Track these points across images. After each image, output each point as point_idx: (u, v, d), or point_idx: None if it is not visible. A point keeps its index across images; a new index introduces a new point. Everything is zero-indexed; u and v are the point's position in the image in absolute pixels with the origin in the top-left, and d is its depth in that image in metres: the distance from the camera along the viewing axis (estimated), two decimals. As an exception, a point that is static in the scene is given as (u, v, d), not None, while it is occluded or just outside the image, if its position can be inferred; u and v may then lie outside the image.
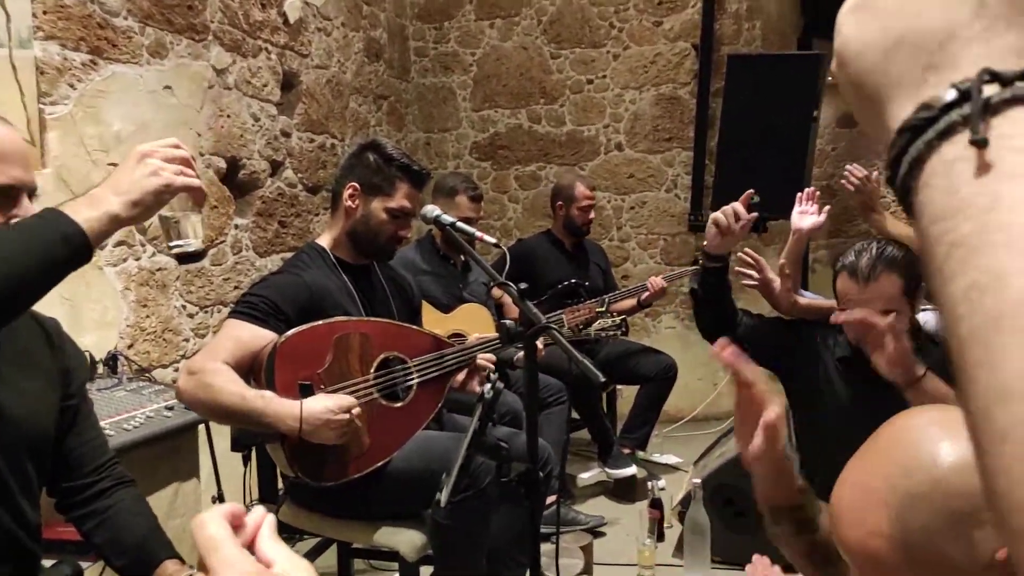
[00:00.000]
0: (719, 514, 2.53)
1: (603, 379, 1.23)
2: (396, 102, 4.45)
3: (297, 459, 1.61)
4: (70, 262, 0.90)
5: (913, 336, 1.70)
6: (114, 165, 2.48)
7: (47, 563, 1.27)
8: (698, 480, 2.49)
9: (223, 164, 2.98)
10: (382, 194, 1.89)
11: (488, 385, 1.30)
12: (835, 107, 5.26)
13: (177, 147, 1.06)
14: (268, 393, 1.57)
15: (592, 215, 3.42)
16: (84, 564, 1.45)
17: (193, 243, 1.13)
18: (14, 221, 1.04)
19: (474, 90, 4.56)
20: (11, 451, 1.13)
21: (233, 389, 1.56)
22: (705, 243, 1.91)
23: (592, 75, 4.39)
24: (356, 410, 1.60)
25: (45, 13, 2.22)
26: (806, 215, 2.32)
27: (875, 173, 2.38)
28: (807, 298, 2.72)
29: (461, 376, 1.90)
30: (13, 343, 1.19)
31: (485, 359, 1.90)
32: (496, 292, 3.17)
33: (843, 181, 2.40)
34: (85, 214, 0.92)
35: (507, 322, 1.43)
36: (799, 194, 2.34)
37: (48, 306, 2.20)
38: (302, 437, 1.55)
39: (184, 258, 2.80)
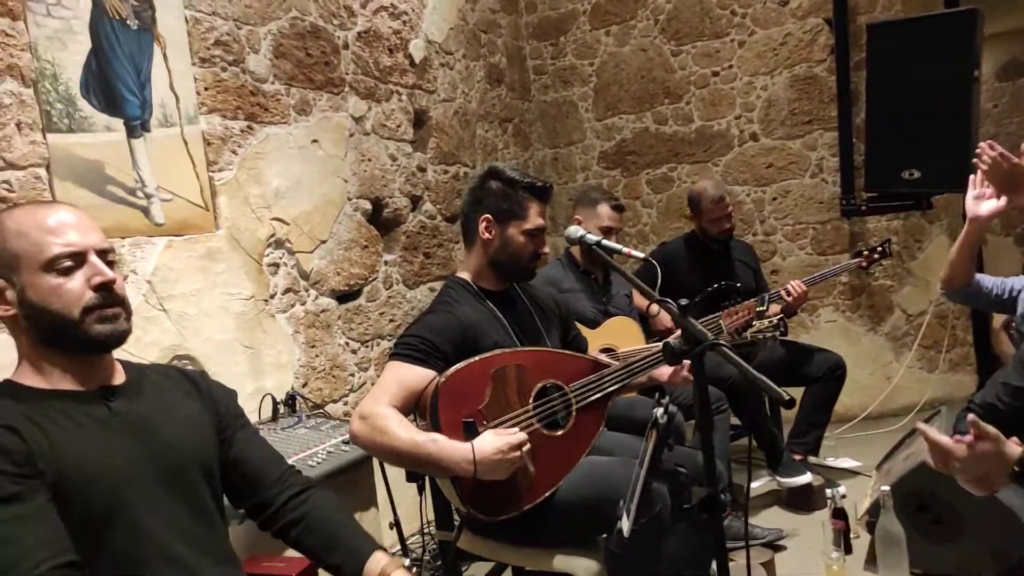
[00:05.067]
0: (913, 522, 2.33)
1: (789, 397, 1.15)
2: (520, 123, 4.51)
3: (468, 497, 1.64)
4: None
5: None
6: (278, 221, 2.68)
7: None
8: (886, 487, 2.30)
9: (368, 206, 3.14)
10: (515, 218, 1.91)
11: (660, 410, 1.26)
12: (993, 60, 4.78)
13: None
14: (439, 436, 1.61)
15: (728, 223, 3.23)
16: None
17: None
18: (96, 280, 1.16)
19: (596, 100, 4.54)
20: (183, 476, 1.24)
21: (405, 436, 1.61)
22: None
23: (717, 67, 4.24)
24: (526, 446, 1.61)
25: (207, 89, 2.45)
26: (983, 199, 2.04)
27: (1023, 146, 1.98)
28: (987, 283, 2.45)
29: (667, 372, 1.93)
30: (161, 397, 1.30)
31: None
32: (640, 301, 3.11)
33: (975, 160, 2.03)
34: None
35: (671, 341, 1.38)
36: (980, 161, 2.01)
37: (231, 354, 2.42)
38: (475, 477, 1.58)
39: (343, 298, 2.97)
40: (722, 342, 1.29)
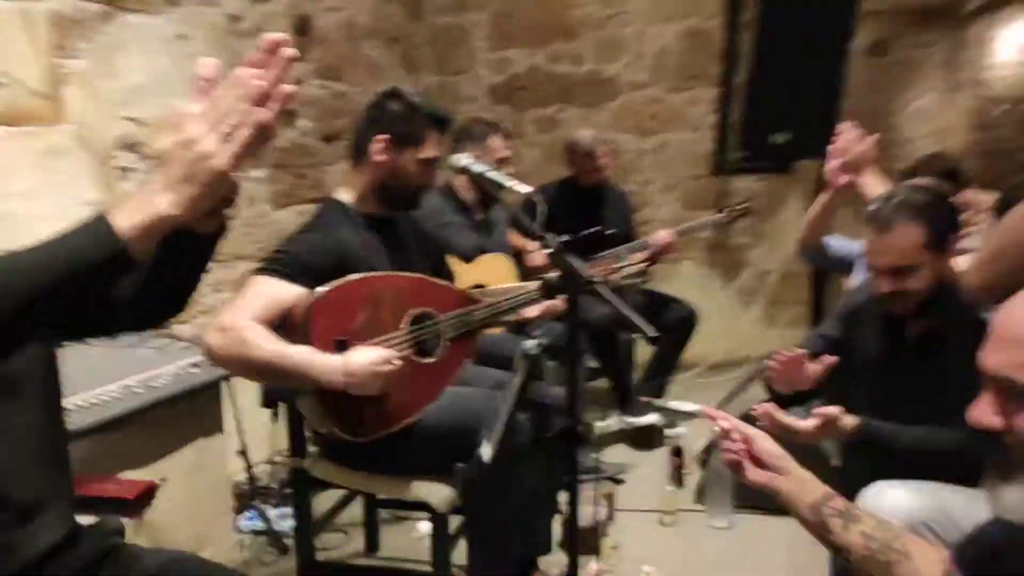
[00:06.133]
0: (740, 461, 2.57)
1: (655, 333, 1.23)
2: (408, 45, 4.33)
3: (333, 415, 1.63)
4: (111, 272, 0.85)
5: (935, 294, 1.61)
6: (133, 120, 2.45)
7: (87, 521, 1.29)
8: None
9: (239, 114, 2.94)
10: (412, 144, 1.86)
11: (532, 342, 1.30)
12: (866, 36, 5.07)
13: (240, 86, 0.84)
14: (307, 348, 1.59)
15: (597, 176, 3.32)
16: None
17: None
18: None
19: (491, 29, 4.43)
20: None
21: (272, 346, 1.57)
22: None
23: (612, 10, 4.24)
24: (397, 361, 1.62)
25: (55, -38, 2.16)
26: (845, 171, 2.16)
27: (875, 136, 2.16)
28: (834, 246, 2.67)
29: (534, 311, 1.95)
30: None
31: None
32: (516, 240, 3.15)
33: (835, 135, 2.18)
34: (130, 220, 0.84)
35: (548, 276, 1.41)
36: (834, 141, 2.16)
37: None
38: (344, 391, 1.57)
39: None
40: (598, 280, 1.34)
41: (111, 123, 2.37)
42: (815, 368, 1.67)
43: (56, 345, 1.09)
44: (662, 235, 3.22)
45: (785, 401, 1.74)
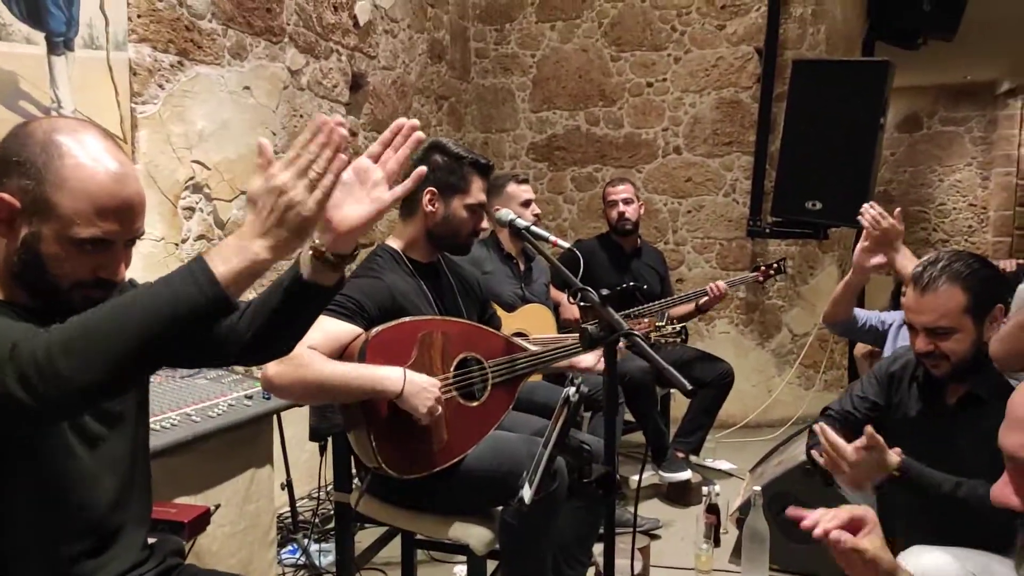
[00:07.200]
0: (777, 522, 2.53)
1: (691, 388, 1.25)
2: (456, 102, 4.51)
3: (383, 450, 1.67)
4: (213, 315, 0.88)
5: (975, 360, 1.63)
6: (199, 164, 2.59)
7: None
8: (758, 487, 2.49)
9: (295, 162, 3.07)
10: (459, 192, 1.94)
11: (572, 389, 1.33)
12: (896, 111, 5.13)
13: (324, 137, 0.91)
14: (363, 364, 1.65)
15: (627, 213, 3.37)
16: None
17: None
18: (103, 274, 1.03)
19: (533, 91, 4.60)
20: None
21: (331, 367, 1.63)
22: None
23: (652, 78, 4.39)
24: (440, 396, 1.68)
25: (140, 16, 2.33)
26: (870, 252, 2.17)
27: (897, 211, 2.17)
28: (863, 317, 2.69)
29: (590, 359, 2.03)
30: None
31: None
32: (555, 293, 3.21)
33: (859, 217, 2.17)
34: (228, 265, 0.87)
35: (589, 327, 1.46)
36: (863, 219, 2.15)
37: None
38: (396, 403, 1.63)
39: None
40: (636, 333, 1.38)
41: (179, 166, 2.50)
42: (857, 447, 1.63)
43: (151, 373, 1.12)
44: (720, 284, 3.27)
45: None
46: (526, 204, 2.94)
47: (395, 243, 2.00)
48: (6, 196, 0.99)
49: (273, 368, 1.62)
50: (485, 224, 2.03)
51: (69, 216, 0.99)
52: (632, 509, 2.88)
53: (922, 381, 1.77)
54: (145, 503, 1.21)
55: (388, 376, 1.64)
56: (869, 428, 1.57)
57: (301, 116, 3.09)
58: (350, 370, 1.63)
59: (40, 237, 1.00)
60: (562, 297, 3.22)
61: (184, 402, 1.89)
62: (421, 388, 1.65)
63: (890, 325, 2.72)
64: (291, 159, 0.92)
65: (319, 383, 1.61)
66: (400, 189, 0.95)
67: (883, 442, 1.57)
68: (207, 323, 0.88)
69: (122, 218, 1.03)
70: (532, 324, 2.79)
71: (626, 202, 3.38)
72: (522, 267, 3.04)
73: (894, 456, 1.59)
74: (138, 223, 1.07)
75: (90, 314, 0.88)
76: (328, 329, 1.70)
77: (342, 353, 1.70)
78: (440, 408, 1.68)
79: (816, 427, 1.65)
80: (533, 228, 1.86)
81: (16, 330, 0.90)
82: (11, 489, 1.01)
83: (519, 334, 2.66)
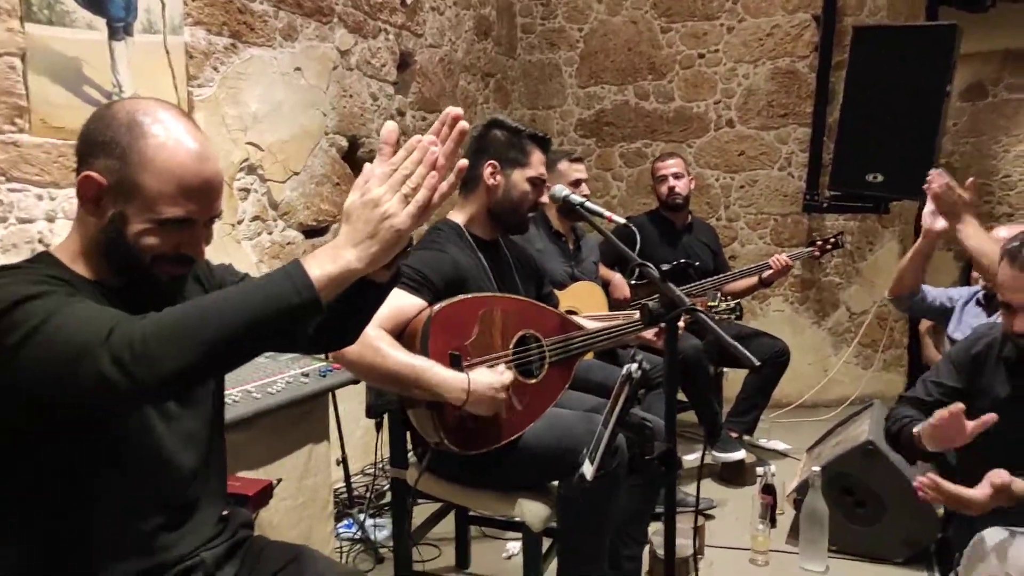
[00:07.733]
0: (836, 503, 2.47)
1: (758, 362, 1.22)
2: (503, 79, 4.47)
3: (446, 428, 1.68)
4: (306, 316, 0.91)
5: None
6: (253, 145, 2.62)
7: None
8: (817, 468, 2.44)
9: (345, 142, 3.10)
10: (520, 165, 1.96)
11: (635, 365, 1.31)
12: (960, 79, 4.92)
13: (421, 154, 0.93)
14: (432, 362, 1.65)
15: (677, 188, 3.29)
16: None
17: None
18: (185, 250, 1.06)
19: (580, 66, 4.53)
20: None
21: (401, 357, 1.64)
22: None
23: (704, 49, 4.28)
24: (508, 397, 1.68)
25: (194, 0, 2.36)
26: (938, 216, 2.09)
27: (970, 180, 2.08)
28: (932, 294, 2.59)
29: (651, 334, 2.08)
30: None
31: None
32: (604, 271, 3.17)
33: (924, 187, 2.08)
34: (322, 270, 0.91)
35: (649, 303, 1.43)
36: (929, 184, 2.04)
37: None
38: (461, 407, 1.63)
39: (311, 232, 2.94)
40: (699, 308, 1.35)
41: (233, 148, 2.54)
42: (974, 425, 1.60)
43: None
44: (783, 257, 3.20)
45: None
46: (576, 184, 2.90)
47: (457, 217, 2.00)
48: (94, 174, 1.02)
49: (354, 351, 1.64)
50: (545, 198, 2.02)
51: (153, 196, 1.02)
52: (685, 489, 2.86)
53: (1014, 360, 1.70)
54: (221, 478, 1.24)
55: (454, 388, 1.64)
56: (993, 475, 1.53)
57: (350, 96, 3.10)
58: (419, 369, 1.64)
59: (125, 216, 1.03)
60: (612, 275, 3.18)
61: (245, 380, 1.93)
62: (487, 397, 1.65)
63: (958, 301, 2.62)
64: (386, 174, 0.94)
65: (389, 374, 1.64)
66: (446, 185, 0.95)
67: (1008, 478, 1.53)
68: (298, 323, 0.92)
69: (204, 198, 1.06)
70: (582, 302, 2.76)
71: (676, 176, 3.31)
72: (571, 245, 3.01)
73: (1021, 484, 1.55)
74: (218, 202, 1.10)
75: (186, 305, 0.92)
76: (395, 303, 1.70)
77: (406, 327, 1.71)
78: (512, 398, 1.69)
79: (922, 482, 1.61)
80: (588, 204, 1.84)
81: (111, 315, 0.93)
82: (94, 464, 1.04)
83: (570, 312, 2.64)
